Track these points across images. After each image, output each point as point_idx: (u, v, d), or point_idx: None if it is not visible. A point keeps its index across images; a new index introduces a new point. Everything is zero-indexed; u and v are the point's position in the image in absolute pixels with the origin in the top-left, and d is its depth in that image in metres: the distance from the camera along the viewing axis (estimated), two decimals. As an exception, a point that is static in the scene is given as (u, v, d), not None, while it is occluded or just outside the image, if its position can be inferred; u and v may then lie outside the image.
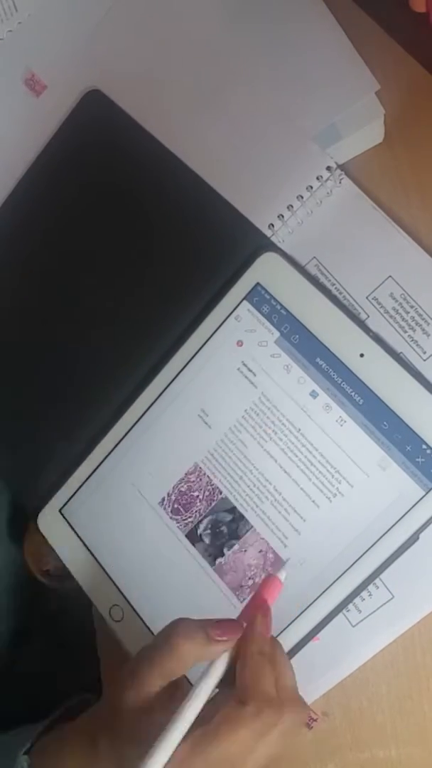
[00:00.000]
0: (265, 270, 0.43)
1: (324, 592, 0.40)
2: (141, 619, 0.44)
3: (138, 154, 0.47)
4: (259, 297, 0.43)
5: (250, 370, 0.43)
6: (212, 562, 0.42)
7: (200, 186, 0.45)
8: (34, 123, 0.51)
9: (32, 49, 0.51)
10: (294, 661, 0.40)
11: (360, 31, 0.46)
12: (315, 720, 0.44)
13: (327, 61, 0.46)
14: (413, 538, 0.38)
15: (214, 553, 0.42)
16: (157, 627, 0.39)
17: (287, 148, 0.45)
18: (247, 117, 0.46)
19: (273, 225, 0.45)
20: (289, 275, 0.42)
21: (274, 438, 0.42)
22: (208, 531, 0.43)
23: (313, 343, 0.41)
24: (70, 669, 0.51)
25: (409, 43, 0.46)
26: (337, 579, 0.39)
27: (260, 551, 0.41)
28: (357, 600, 0.42)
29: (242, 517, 0.42)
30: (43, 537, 0.47)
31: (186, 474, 0.43)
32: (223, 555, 0.42)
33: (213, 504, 0.43)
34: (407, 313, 0.44)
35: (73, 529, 0.46)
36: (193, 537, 0.43)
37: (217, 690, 0.34)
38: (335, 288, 0.45)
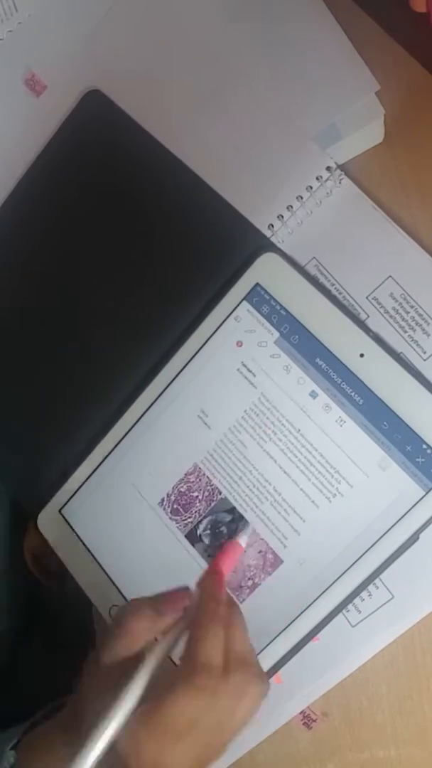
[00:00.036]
0: (264, 270, 0.43)
1: (324, 592, 0.40)
2: (141, 619, 0.44)
3: (138, 154, 0.47)
4: (258, 297, 0.43)
5: (249, 371, 0.43)
6: (212, 563, 0.42)
7: (200, 186, 0.45)
8: (34, 123, 0.51)
9: (32, 49, 0.51)
10: (294, 661, 0.40)
11: (360, 31, 0.46)
12: (315, 720, 0.44)
13: (327, 61, 0.46)
14: (413, 538, 0.38)
15: (213, 554, 0.42)
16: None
17: (287, 148, 0.45)
18: (247, 117, 0.46)
19: (273, 225, 0.45)
20: (289, 275, 0.42)
21: (273, 438, 0.42)
22: (208, 531, 0.43)
23: (312, 343, 0.41)
24: (70, 669, 0.51)
25: (409, 43, 0.46)
26: (337, 579, 0.39)
27: (260, 552, 0.41)
28: (357, 600, 0.42)
29: (242, 517, 0.42)
30: (43, 537, 0.47)
31: (186, 474, 0.43)
32: (222, 555, 0.42)
33: (212, 504, 0.43)
34: (407, 313, 0.44)
35: (72, 529, 0.46)
36: (192, 537, 0.43)
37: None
38: (335, 288, 0.45)
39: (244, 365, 0.43)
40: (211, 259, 0.45)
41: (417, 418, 0.39)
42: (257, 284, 0.43)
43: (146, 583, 0.44)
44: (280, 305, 0.42)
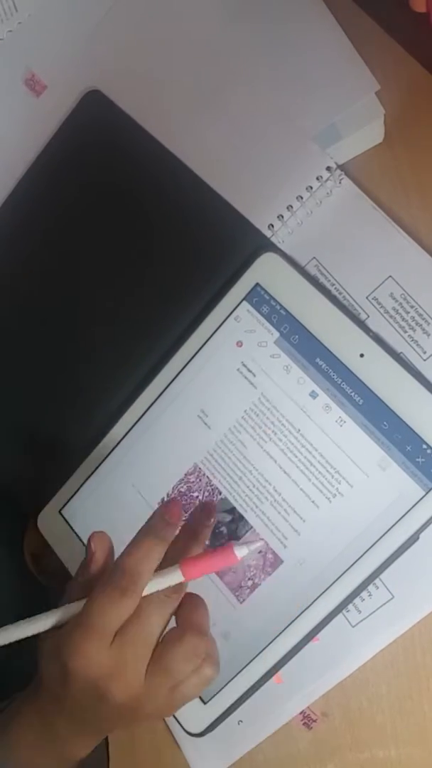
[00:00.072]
0: (264, 270, 0.43)
1: (324, 592, 0.40)
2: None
3: (138, 155, 0.47)
4: (258, 297, 0.43)
5: (249, 371, 0.43)
6: (212, 563, 0.42)
7: (200, 186, 0.45)
8: (34, 123, 0.51)
9: (32, 49, 0.52)
10: (294, 661, 0.40)
11: (360, 31, 0.46)
12: (315, 720, 0.44)
13: (327, 61, 0.46)
14: (413, 538, 0.38)
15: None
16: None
17: (287, 148, 0.45)
18: (247, 117, 0.46)
19: (273, 225, 0.45)
20: (289, 275, 0.42)
21: (273, 438, 0.41)
22: (208, 531, 0.43)
23: (312, 343, 0.41)
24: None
25: (409, 43, 0.46)
26: (337, 579, 0.39)
27: (259, 552, 0.41)
28: (357, 600, 0.42)
29: (242, 517, 0.42)
30: (43, 537, 0.47)
31: (186, 474, 0.43)
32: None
33: (213, 504, 0.43)
34: (407, 313, 0.44)
35: (73, 529, 0.46)
36: (192, 537, 0.43)
37: None
38: (335, 288, 0.45)
39: (244, 365, 0.43)
40: (211, 259, 0.45)
41: (417, 418, 0.39)
42: (257, 284, 0.43)
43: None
44: (280, 305, 0.42)
